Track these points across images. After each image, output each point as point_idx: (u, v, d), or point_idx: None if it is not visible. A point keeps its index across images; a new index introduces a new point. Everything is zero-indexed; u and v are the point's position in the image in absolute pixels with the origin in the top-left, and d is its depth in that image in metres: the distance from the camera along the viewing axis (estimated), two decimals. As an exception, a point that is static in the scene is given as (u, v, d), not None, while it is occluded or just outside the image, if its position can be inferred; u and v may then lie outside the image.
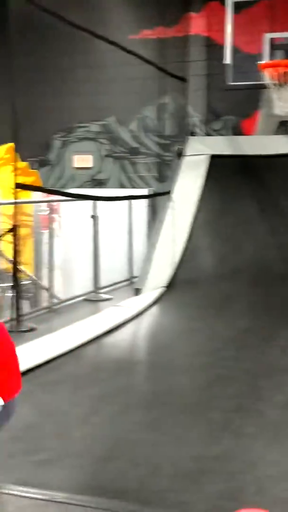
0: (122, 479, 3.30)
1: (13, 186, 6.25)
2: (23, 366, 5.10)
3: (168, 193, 9.15)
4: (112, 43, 7.21)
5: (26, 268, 7.93)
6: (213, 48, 9.98)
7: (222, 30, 9.33)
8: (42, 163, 10.99)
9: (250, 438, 3.83)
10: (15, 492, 2.42)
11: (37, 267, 9.72)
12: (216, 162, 9.24)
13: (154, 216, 9.73)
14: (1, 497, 2.41)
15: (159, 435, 3.91)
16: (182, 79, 9.83)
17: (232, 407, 4.38)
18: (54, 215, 8.38)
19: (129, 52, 7.64)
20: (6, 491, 2.44)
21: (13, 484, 2.54)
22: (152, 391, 4.86)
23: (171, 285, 8.34)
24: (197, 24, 10.19)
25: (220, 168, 9.16)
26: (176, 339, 6.51)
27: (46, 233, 8.57)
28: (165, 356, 5.85)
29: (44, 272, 8.69)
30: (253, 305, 7.52)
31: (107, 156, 10.69)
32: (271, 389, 4.74)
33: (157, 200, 9.71)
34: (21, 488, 2.46)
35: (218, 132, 10.11)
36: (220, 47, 9.37)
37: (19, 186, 6.19)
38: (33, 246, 10.46)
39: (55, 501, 2.35)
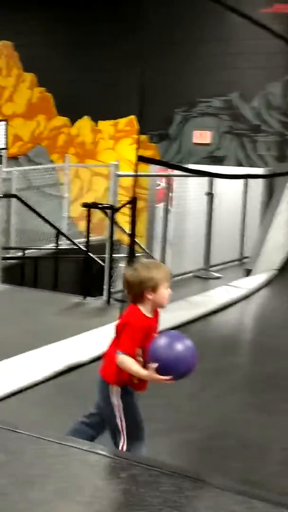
0: (230, 459, 3.31)
1: (133, 158, 6.31)
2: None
3: (287, 173, 8.90)
4: (243, 16, 7.03)
5: (140, 241, 8.05)
6: None
7: None
8: (161, 137, 11.03)
9: None
10: (128, 460, 2.49)
11: (150, 240, 9.85)
12: None
13: (271, 197, 9.51)
14: (114, 462, 2.49)
15: (267, 418, 3.88)
16: (312, 56, 9.43)
17: None
18: (170, 190, 8.41)
19: (260, 25, 7.40)
20: (119, 457, 2.52)
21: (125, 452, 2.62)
22: (261, 373, 4.82)
23: (283, 269, 8.17)
24: None
25: None
26: (286, 323, 6.39)
27: (160, 207, 8.64)
28: (274, 338, 5.77)
29: (156, 245, 8.79)
30: None
31: (226, 132, 10.54)
32: None
33: (275, 180, 9.47)
34: (133, 457, 2.53)
35: None
36: None
37: (141, 159, 6.23)
38: (146, 219, 10.60)
39: (167, 473, 2.39)
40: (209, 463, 3.23)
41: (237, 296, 7.01)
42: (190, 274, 8.33)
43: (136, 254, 7.09)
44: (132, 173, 6.67)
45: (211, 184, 8.33)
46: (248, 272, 8.24)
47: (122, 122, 10.41)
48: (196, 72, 10.50)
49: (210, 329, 6.21)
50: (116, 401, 2.80)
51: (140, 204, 9.15)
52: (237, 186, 9.38)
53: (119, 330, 2.79)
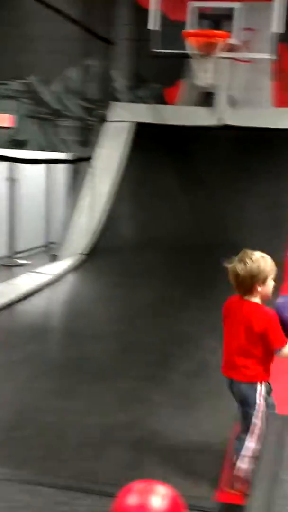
0: (28, 448, 3.28)
1: None
2: None
3: (89, 159, 9.03)
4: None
5: None
6: (141, 12, 9.75)
7: (149, -5, 9.11)
8: None
9: (157, 407, 3.90)
10: None
11: None
12: (139, 130, 9.17)
13: (75, 181, 9.58)
14: None
15: (68, 403, 3.91)
16: (108, 42, 9.62)
17: (142, 375, 4.44)
18: None
19: (51, 8, 7.35)
20: None
21: None
22: (65, 358, 4.85)
23: (89, 253, 8.29)
24: (125, -14, 9.94)
25: (142, 136, 9.10)
26: (92, 307, 6.51)
27: None
28: (80, 323, 5.84)
29: None
30: (169, 274, 7.61)
31: (27, 116, 10.34)
32: (180, 357, 4.83)
33: (79, 165, 9.54)
34: None
35: (142, 99, 9.99)
36: (148, 12, 9.16)
37: None
38: None
39: None
40: (7, 456, 3.18)
41: (42, 283, 6.98)
42: (-5, 262, 8.11)
43: None
44: None
45: (12, 169, 8.15)
46: (54, 258, 8.25)
47: None
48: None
49: (16, 318, 6.11)
50: (260, 400, 2.82)
51: None
52: (41, 171, 9.30)
53: (260, 331, 2.77)
